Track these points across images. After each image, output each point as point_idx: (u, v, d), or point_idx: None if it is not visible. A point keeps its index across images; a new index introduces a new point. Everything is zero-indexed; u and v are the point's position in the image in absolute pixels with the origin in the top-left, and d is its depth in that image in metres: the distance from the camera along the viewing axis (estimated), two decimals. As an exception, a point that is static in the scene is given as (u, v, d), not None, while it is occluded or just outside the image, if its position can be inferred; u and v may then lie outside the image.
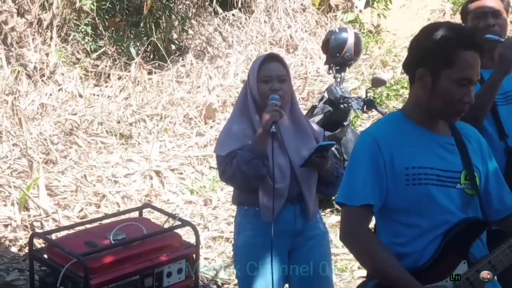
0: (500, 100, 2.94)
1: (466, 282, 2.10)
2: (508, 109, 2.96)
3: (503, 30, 3.01)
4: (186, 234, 4.29)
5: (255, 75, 2.93)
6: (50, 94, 7.27)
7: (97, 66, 7.89)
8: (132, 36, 8.19)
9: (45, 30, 7.84)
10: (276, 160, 2.85)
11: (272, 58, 2.98)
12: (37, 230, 4.73)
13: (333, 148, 3.68)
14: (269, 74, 2.91)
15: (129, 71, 7.78)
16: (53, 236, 3.54)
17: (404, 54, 8.01)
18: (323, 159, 2.89)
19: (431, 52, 2.11)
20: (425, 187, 2.11)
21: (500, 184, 2.28)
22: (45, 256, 3.23)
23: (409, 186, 2.11)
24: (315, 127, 3.15)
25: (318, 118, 5.23)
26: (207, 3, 9.11)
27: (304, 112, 5.09)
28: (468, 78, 2.10)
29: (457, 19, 8.66)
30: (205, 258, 4.65)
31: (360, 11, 9.65)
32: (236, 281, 3.59)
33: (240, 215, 3.03)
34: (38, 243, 4.12)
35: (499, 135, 2.93)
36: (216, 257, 4.74)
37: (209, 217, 5.35)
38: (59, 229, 4.02)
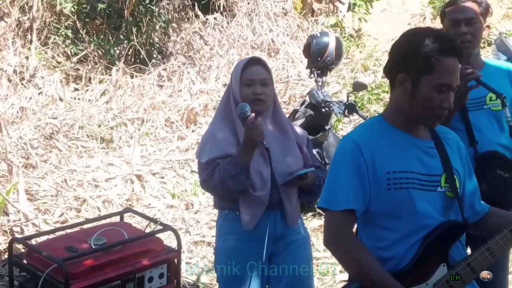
0: (472, 105, 2.95)
1: (446, 285, 2.12)
2: (478, 115, 2.97)
3: (475, 37, 3.00)
4: (168, 239, 4.28)
5: (237, 78, 2.91)
6: (30, 98, 7.21)
7: (78, 69, 7.85)
8: (113, 40, 8.16)
9: (25, 33, 7.78)
10: (257, 168, 2.85)
11: (255, 62, 2.96)
12: (17, 235, 4.68)
13: (314, 152, 3.69)
14: (252, 78, 2.89)
15: (110, 75, 7.74)
16: (33, 241, 3.51)
17: (385, 58, 8.06)
18: (302, 181, 2.91)
19: (412, 57, 2.13)
20: (407, 191, 2.13)
21: (474, 191, 2.31)
22: (25, 261, 3.21)
23: (390, 191, 2.13)
24: (299, 130, 3.14)
25: (299, 122, 5.24)
26: (188, 7, 9.09)
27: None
28: (448, 84, 2.12)
29: (438, 23, 8.76)
30: (186, 263, 4.64)
31: (344, 15, 9.69)
32: (217, 285, 3.58)
33: (221, 219, 3.03)
34: (18, 248, 4.08)
35: (469, 141, 2.93)
36: (198, 261, 4.73)
37: (191, 221, 5.34)
38: (39, 234, 3.99)
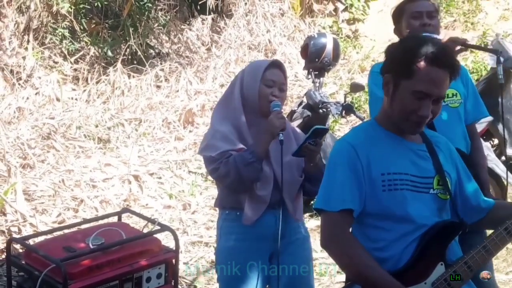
0: None
1: (444, 283, 2.13)
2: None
3: (436, 29, 3.12)
4: (166, 239, 4.28)
5: (258, 76, 2.90)
6: (27, 98, 7.20)
7: (75, 70, 7.85)
8: (110, 40, 8.15)
9: (22, 34, 7.78)
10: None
11: (278, 65, 2.98)
12: (15, 235, 4.68)
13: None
14: (274, 80, 2.91)
15: (107, 75, 7.74)
16: (31, 242, 3.51)
17: (381, 59, 8.07)
18: (316, 147, 2.84)
19: (396, 60, 2.16)
20: (401, 193, 2.14)
21: (476, 190, 2.34)
22: (23, 261, 3.20)
23: (385, 192, 2.14)
24: (299, 132, 3.16)
25: (297, 123, 5.25)
26: (185, 8, 9.10)
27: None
28: (426, 93, 2.10)
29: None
30: (184, 263, 4.64)
31: (347, 10, 9.69)
32: (216, 285, 3.59)
33: (222, 219, 3.03)
34: (16, 248, 4.08)
35: None
36: (195, 261, 4.74)
37: (188, 221, 5.35)
38: (37, 234, 3.99)
